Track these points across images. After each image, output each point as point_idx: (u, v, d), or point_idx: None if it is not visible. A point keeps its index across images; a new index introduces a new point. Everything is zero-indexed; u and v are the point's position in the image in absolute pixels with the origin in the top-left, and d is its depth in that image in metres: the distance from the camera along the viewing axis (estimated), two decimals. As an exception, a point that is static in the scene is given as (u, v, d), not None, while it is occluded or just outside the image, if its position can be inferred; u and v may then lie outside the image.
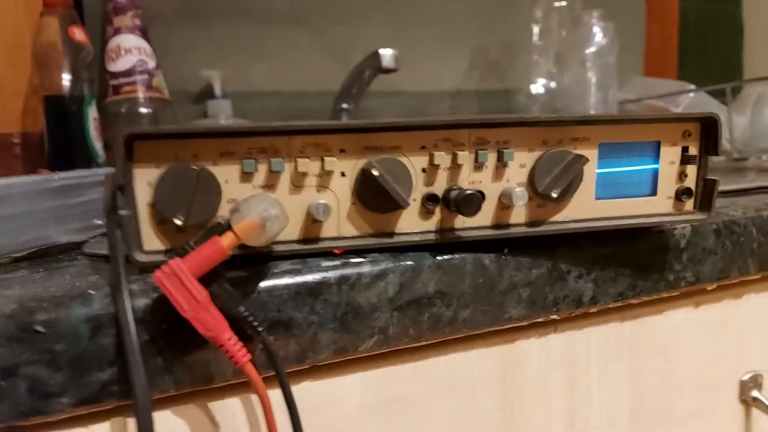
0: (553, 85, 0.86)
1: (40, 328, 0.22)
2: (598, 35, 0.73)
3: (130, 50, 0.70)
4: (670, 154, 0.32)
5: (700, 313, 0.39)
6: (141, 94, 0.71)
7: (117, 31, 0.70)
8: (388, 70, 0.69)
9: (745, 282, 0.39)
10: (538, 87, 0.89)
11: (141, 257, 0.25)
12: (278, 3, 0.85)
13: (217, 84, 0.79)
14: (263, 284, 0.25)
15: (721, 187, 0.48)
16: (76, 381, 0.23)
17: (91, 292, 0.23)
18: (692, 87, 0.82)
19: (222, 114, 0.78)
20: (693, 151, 0.32)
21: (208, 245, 0.23)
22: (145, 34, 0.71)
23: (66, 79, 0.64)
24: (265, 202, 0.23)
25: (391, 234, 0.29)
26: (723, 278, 0.37)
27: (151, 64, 0.71)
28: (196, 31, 0.82)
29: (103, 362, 0.23)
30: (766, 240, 0.39)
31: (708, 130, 0.32)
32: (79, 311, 0.23)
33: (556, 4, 0.86)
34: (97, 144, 0.66)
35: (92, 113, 0.65)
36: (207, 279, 0.23)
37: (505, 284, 0.30)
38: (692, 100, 0.85)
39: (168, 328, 0.24)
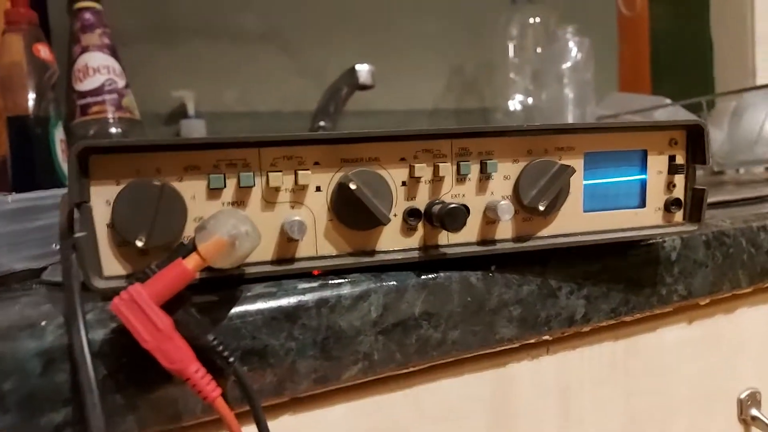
0: (530, 101, 0.85)
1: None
2: (574, 50, 0.74)
3: (98, 69, 0.68)
4: (658, 164, 0.31)
5: (693, 329, 0.38)
6: (110, 115, 0.68)
7: (84, 50, 0.68)
8: (364, 87, 0.68)
9: (737, 296, 0.38)
10: (515, 104, 0.89)
11: (99, 283, 0.23)
12: (251, 23, 0.84)
13: (190, 104, 0.77)
14: (235, 309, 0.23)
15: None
16: (26, 423, 0.20)
17: (42, 323, 0.21)
18: (668, 101, 0.83)
19: (196, 134, 0.76)
20: (680, 160, 0.31)
21: (171, 268, 0.21)
22: (114, 53, 0.69)
23: (30, 99, 0.61)
24: (234, 218, 0.21)
25: (372, 252, 0.27)
26: (715, 292, 0.36)
27: (121, 83, 0.69)
28: (168, 50, 0.80)
29: (56, 401, 0.21)
30: (757, 251, 0.38)
31: (694, 138, 0.31)
32: (28, 345, 0.20)
33: (531, 20, 0.87)
34: (65, 166, 0.63)
35: (59, 135, 0.63)
36: (171, 305, 0.21)
37: (495, 302, 0.29)
38: (669, 114, 0.85)
39: (129, 362, 0.21)
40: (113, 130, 0.68)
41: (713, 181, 0.79)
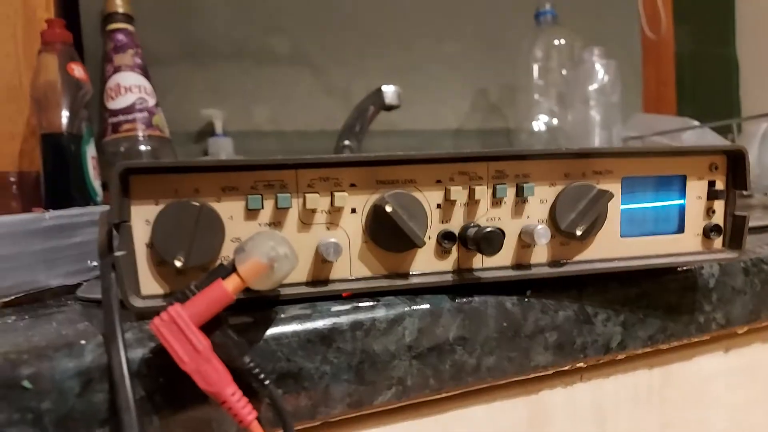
0: (555, 122, 0.85)
1: (26, 384, 0.20)
2: (600, 72, 0.73)
3: (130, 88, 0.70)
4: (697, 189, 0.30)
5: (730, 358, 0.37)
6: (140, 133, 0.70)
7: (117, 69, 0.69)
8: (390, 107, 0.68)
9: (776, 323, 0.37)
10: (540, 125, 0.89)
11: (138, 302, 0.23)
12: (279, 44, 0.85)
13: (218, 123, 0.79)
14: (270, 331, 0.23)
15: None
16: (61, 442, 0.20)
17: (81, 342, 0.21)
18: (696, 122, 0.82)
19: (223, 152, 0.77)
20: (720, 185, 0.30)
21: (210, 289, 0.20)
22: (145, 73, 0.71)
23: (64, 117, 0.63)
24: (273, 240, 0.21)
25: (406, 275, 0.27)
26: (753, 320, 0.35)
27: (151, 102, 0.70)
28: (198, 70, 0.81)
29: (93, 421, 0.21)
30: (796, 278, 0.37)
31: (735, 163, 0.30)
32: (66, 364, 0.20)
33: (556, 42, 0.87)
34: (96, 183, 0.64)
35: (91, 152, 0.64)
36: (209, 326, 0.21)
37: (531, 328, 0.28)
38: (697, 136, 0.84)
39: (166, 382, 0.21)
40: (143, 147, 0.69)
41: (741, 205, 0.77)
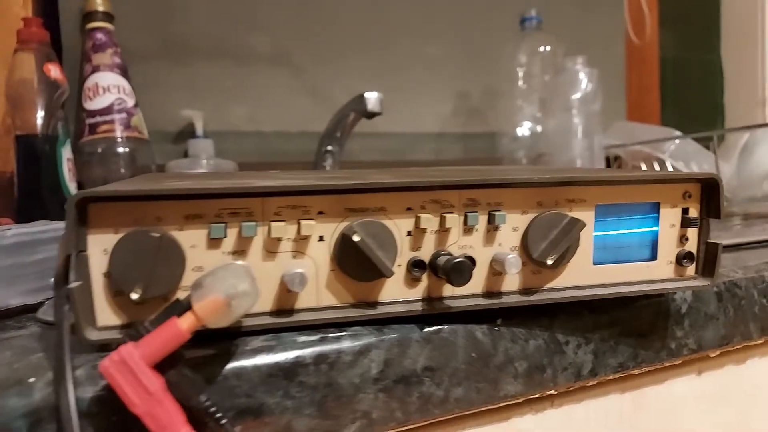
0: (538, 129, 0.85)
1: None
2: (583, 82, 0.73)
3: (108, 88, 0.68)
4: (670, 216, 0.30)
5: (703, 381, 0.37)
6: (119, 134, 0.68)
7: (95, 69, 0.68)
8: (372, 114, 0.68)
9: (748, 346, 0.37)
10: (523, 130, 0.89)
11: (93, 335, 0.22)
12: (259, 44, 0.84)
13: (198, 123, 0.77)
14: (230, 365, 0.22)
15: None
16: (9, 481, 0.20)
17: (30, 380, 0.20)
18: (677, 133, 0.82)
19: (203, 154, 0.75)
20: (693, 213, 0.30)
21: (164, 328, 0.20)
22: (125, 73, 0.69)
23: (40, 117, 0.61)
24: (233, 276, 0.21)
25: (374, 304, 0.26)
26: (725, 344, 0.35)
27: (130, 102, 0.69)
28: (178, 70, 0.80)
29: (41, 460, 0.20)
30: (768, 302, 0.37)
31: (709, 191, 0.30)
32: (15, 403, 0.20)
33: (540, 48, 0.87)
34: (71, 185, 0.63)
35: (66, 153, 0.63)
36: (164, 364, 0.20)
37: (501, 358, 0.28)
38: (678, 146, 0.84)
39: (118, 422, 0.21)
40: (121, 149, 0.68)
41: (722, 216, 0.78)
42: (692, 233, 0.30)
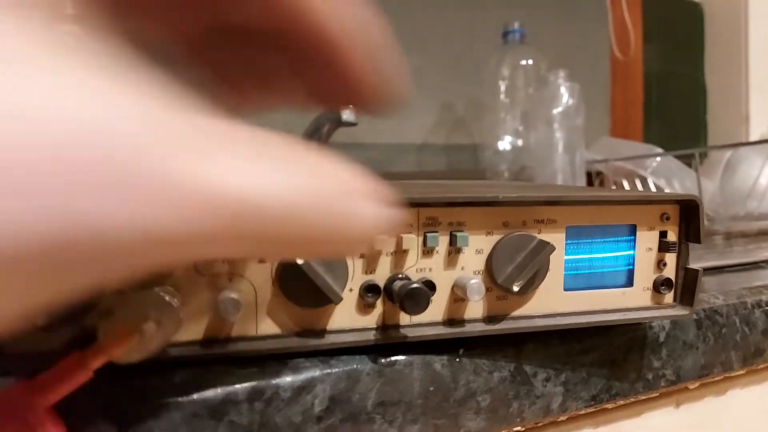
0: (520, 143, 0.83)
1: None
2: (565, 96, 0.72)
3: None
4: (647, 240, 0.28)
5: (681, 413, 0.35)
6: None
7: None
8: (348, 124, 0.65)
9: (728, 377, 0.35)
10: (505, 144, 0.87)
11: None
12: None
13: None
14: (148, 404, 0.20)
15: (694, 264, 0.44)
16: None
17: None
18: (659, 150, 0.81)
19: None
20: (672, 236, 0.28)
21: (66, 364, 0.17)
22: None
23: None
24: (146, 304, 0.18)
25: (322, 333, 0.24)
26: (705, 375, 0.33)
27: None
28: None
29: None
30: (751, 330, 0.35)
31: (688, 213, 0.28)
32: None
33: (522, 62, 0.85)
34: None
35: None
36: (68, 401, 0.17)
37: (462, 392, 0.25)
38: (660, 163, 0.83)
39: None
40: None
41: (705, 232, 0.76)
42: (670, 258, 0.28)
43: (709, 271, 0.44)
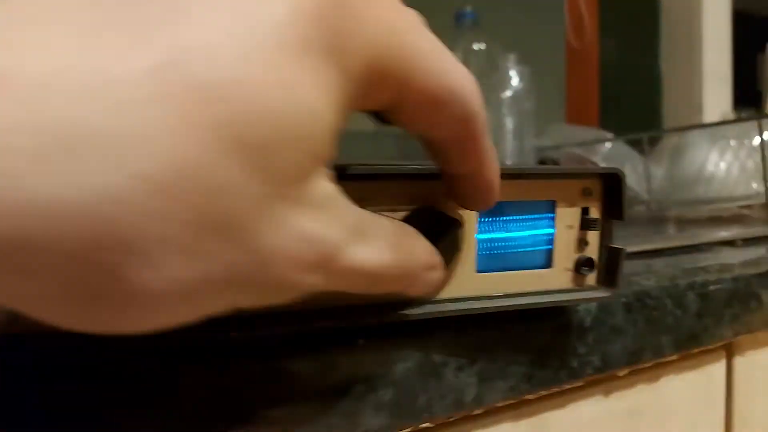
0: (471, 129, 0.81)
1: None
2: (515, 80, 0.70)
3: None
4: (568, 217, 0.26)
5: (611, 402, 0.33)
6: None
7: None
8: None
9: (660, 363, 0.34)
10: (458, 131, 0.85)
11: None
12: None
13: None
14: None
15: (635, 248, 0.43)
16: None
17: None
18: (610, 135, 0.80)
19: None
20: (594, 213, 0.26)
21: None
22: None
23: None
24: None
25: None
26: (635, 362, 0.32)
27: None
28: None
29: None
30: (684, 314, 0.33)
31: (611, 188, 0.26)
32: None
33: (475, 47, 0.83)
34: None
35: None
36: None
37: (361, 387, 0.23)
38: (612, 150, 0.83)
39: None
40: None
41: (655, 217, 0.76)
42: (593, 236, 0.26)
43: (645, 254, 0.43)
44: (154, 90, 0.12)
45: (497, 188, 0.21)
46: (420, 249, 0.19)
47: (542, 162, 0.89)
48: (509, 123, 0.71)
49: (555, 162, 0.89)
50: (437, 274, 0.20)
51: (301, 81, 0.13)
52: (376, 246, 0.17)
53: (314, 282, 0.16)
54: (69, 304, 0.12)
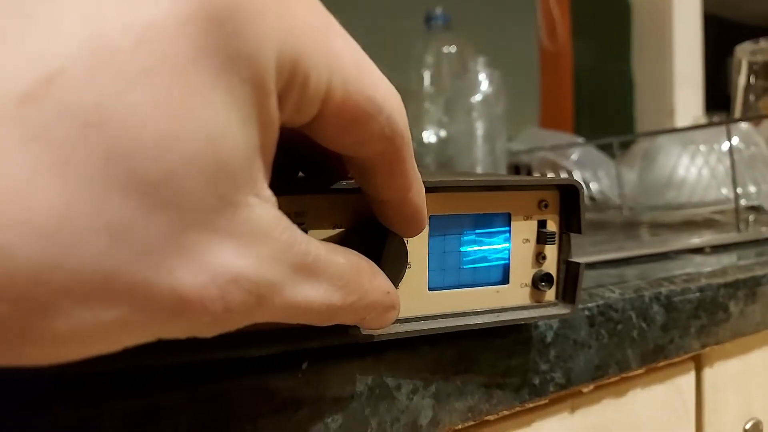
0: (443, 133, 0.80)
1: None
2: (484, 83, 0.69)
3: None
4: (524, 230, 0.25)
5: (576, 419, 0.32)
6: None
7: None
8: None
9: (626, 378, 0.33)
10: (429, 135, 0.84)
11: None
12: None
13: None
14: None
15: (604, 256, 0.42)
16: None
17: None
18: (580, 140, 0.80)
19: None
20: (552, 226, 0.25)
21: None
22: None
23: None
24: None
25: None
26: (600, 377, 0.31)
27: None
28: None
29: None
30: (649, 326, 0.33)
31: (569, 200, 0.25)
32: None
33: (445, 50, 0.82)
34: None
35: None
36: None
37: (305, 414, 0.22)
38: (584, 154, 0.82)
39: None
40: None
41: (628, 222, 0.76)
42: (550, 250, 0.25)
43: (613, 263, 0.42)
44: (24, 127, 0.10)
45: (424, 213, 0.20)
46: (376, 288, 0.18)
47: (514, 166, 0.89)
48: (480, 127, 0.71)
49: (528, 166, 0.89)
50: (394, 314, 0.19)
51: (193, 99, 0.12)
52: (324, 286, 0.16)
53: (247, 320, 0.14)
54: None
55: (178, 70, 0.11)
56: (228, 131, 0.12)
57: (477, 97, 0.69)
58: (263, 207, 0.14)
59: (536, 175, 0.85)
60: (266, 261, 0.14)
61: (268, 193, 0.14)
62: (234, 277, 0.13)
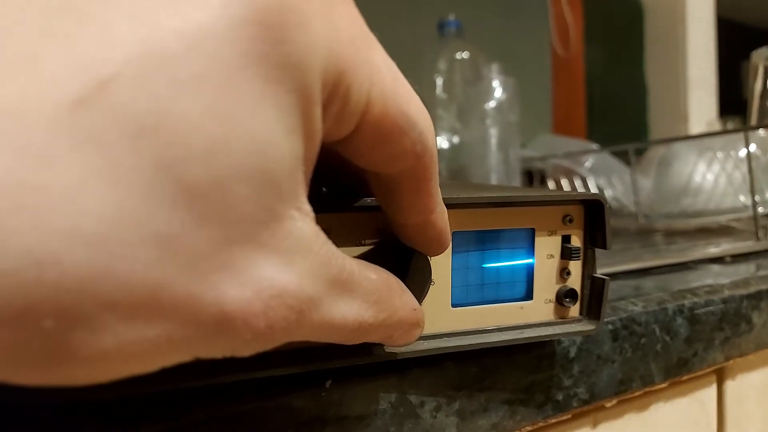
0: (456, 140, 0.80)
1: None
2: (498, 90, 0.69)
3: None
4: (548, 246, 0.25)
5: (598, 433, 0.32)
6: None
7: None
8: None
9: (650, 392, 0.32)
10: (442, 142, 0.84)
11: None
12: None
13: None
14: None
15: (622, 267, 0.42)
16: None
17: None
18: (595, 147, 0.79)
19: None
20: (576, 242, 0.25)
21: None
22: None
23: None
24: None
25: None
26: (623, 391, 0.30)
27: None
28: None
29: None
30: (673, 340, 0.32)
31: (594, 215, 0.25)
32: None
33: (458, 56, 0.82)
34: None
35: None
36: None
37: (330, 431, 0.21)
38: (598, 161, 0.82)
39: None
40: None
41: (643, 230, 0.75)
42: (575, 266, 0.25)
43: (632, 273, 0.41)
44: (74, 132, 0.10)
45: (448, 234, 0.20)
46: (404, 305, 0.18)
47: (528, 172, 0.88)
48: (493, 134, 0.70)
49: (542, 172, 0.88)
50: (419, 331, 0.19)
51: (241, 106, 0.11)
52: (357, 302, 0.16)
53: (286, 337, 0.14)
54: (12, 366, 0.11)
55: (227, 76, 0.11)
56: (274, 141, 0.12)
57: (491, 104, 0.69)
58: (304, 221, 0.13)
59: (550, 181, 0.84)
60: (307, 276, 0.13)
61: (308, 207, 0.14)
62: (278, 292, 0.13)
